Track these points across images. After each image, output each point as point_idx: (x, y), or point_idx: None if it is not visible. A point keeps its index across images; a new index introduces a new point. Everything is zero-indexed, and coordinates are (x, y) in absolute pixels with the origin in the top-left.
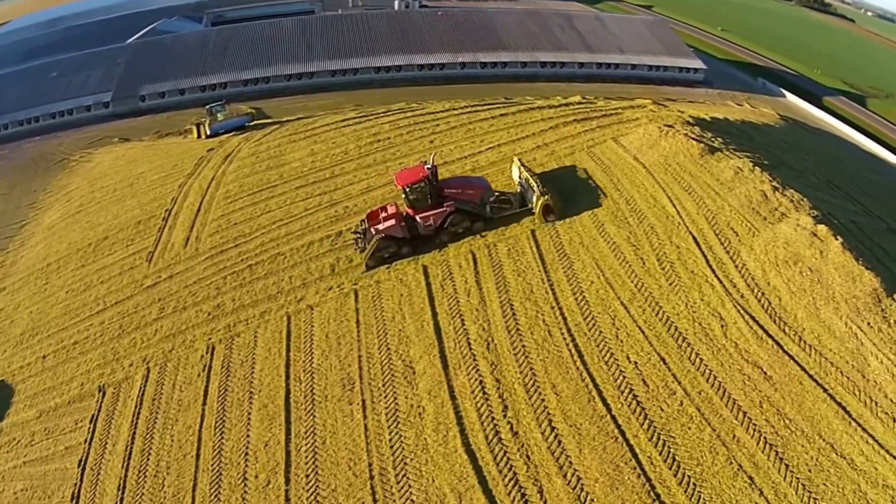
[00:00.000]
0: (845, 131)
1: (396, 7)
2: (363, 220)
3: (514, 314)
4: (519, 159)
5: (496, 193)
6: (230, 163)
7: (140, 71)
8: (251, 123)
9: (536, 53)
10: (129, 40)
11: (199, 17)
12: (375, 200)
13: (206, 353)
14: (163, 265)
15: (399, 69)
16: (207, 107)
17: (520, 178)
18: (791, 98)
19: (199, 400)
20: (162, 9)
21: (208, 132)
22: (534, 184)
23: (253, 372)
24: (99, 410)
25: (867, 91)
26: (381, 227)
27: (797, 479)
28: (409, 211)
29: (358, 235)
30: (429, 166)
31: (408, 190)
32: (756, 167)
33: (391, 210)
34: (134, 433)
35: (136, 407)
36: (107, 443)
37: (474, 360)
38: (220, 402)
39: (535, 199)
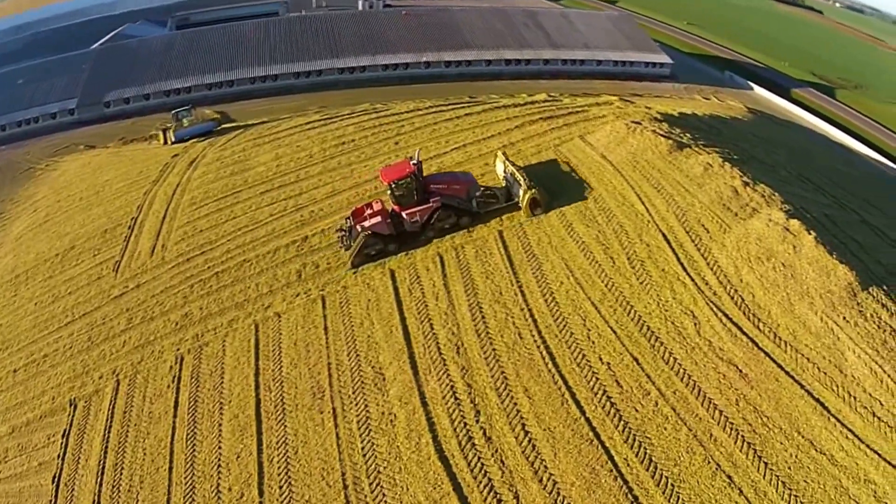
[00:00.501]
0: (815, 123)
1: (360, 7)
2: (348, 218)
3: (483, 317)
4: (503, 153)
5: (482, 188)
6: (195, 168)
7: (105, 77)
8: (218, 129)
9: (501, 51)
10: (94, 46)
11: (163, 21)
12: (341, 204)
13: (175, 363)
14: (129, 274)
15: (363, 70)
16: (173, 112)
17: (505, 172)
18: (759, 91)
19: (170, 412)
20: (126, 13)
21: (173, 139)
22: (520, 178)
23: (222, 382)
24: (71, 425)
25: (836, 82)
26: (366, 224)
27: (777, 476)
28: (395, 207)
29: (343, 233)
30: (414, 162)
31: (393, 186)
32: (726, 162)
33: (376, 207)
34: (106, 447)
35: (107, 420)
36: (80, 458)
37: (444, 364)
38: (191, 414)
39: (521, 192)
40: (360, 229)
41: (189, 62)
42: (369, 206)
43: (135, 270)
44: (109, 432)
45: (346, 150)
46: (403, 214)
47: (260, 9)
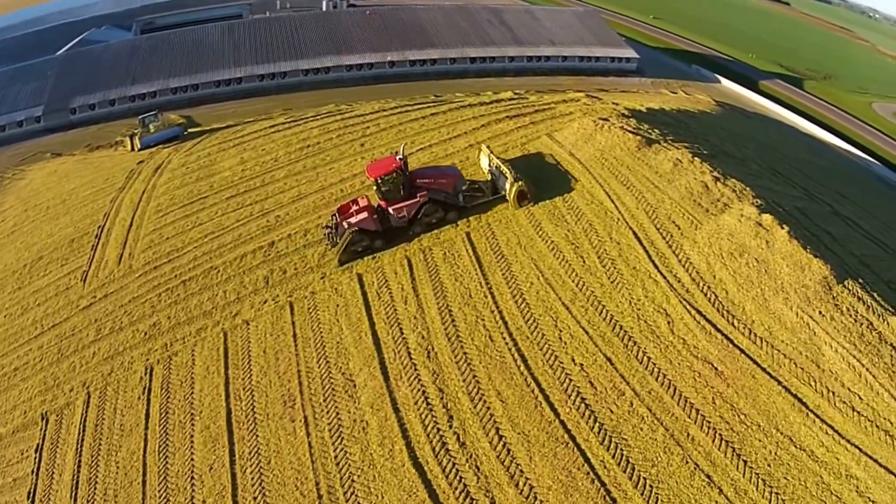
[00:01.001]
0: (783, 114)
1: (324, 8)
2: (334, 215)
3: (453, 320)
4: (487, 147)
5: (468, 182)
6: (160, 175)
7: (71, 83)
8: (185, 133)
9: (466, 49)
10: (60, 52)
11: (128, 26)
12: (307, 208)
13: (145, 374)
14: (97, 284)
15: (328, 71)
16: (140, 118)
17: (489, 165)
18: (726, 83)
19: (141, 424)
20: (91, 18)
21: (139, 146)
22: (506, 170)
23: (193, 392)
24: (43, 439)
25: (804, 73)
26: (353, 220)
27: (757, 474)
28: (382, 203)
29: (329, 230)
30: (400, 157)
31: (380, 181)
32: (695, 157)
33: (362, 203)
34: (79, 461)
35: (79, 434)
36: (53, 473)
37: (415, 369)
38: (163, 426)
39: (508, 185)
40: (346, 226)
41: (154, 66)
42: (355, 202)
43: (102, 280)
44: (82, 446)
45: (311, 154)
46: (390, 210)
47: (224, 11)
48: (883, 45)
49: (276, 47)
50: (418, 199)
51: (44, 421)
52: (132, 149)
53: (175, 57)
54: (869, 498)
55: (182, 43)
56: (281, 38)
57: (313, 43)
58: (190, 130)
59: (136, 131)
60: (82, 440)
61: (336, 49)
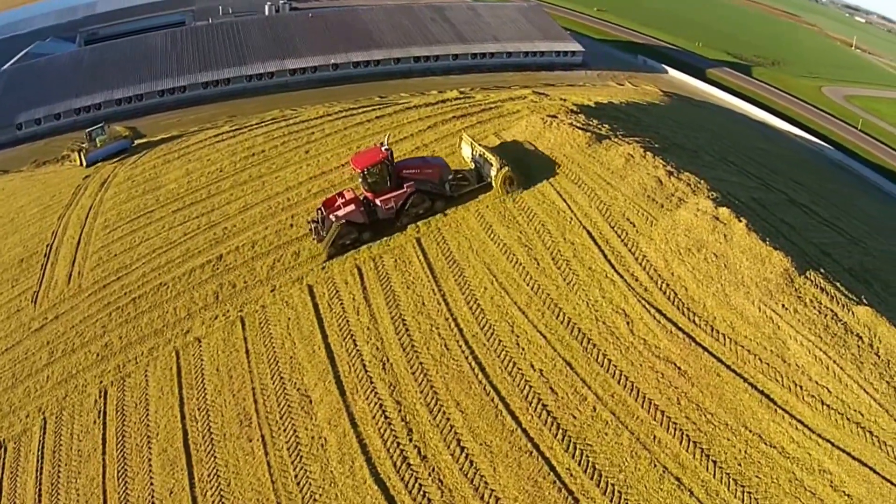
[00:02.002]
0: (733, 102)
1: (266, 12)
2: (319, 209)
3: (407, 330)
4: (469, 136)
5: (453, 172)
6: (106, 189)
7: (15, 98)
8: (133, 146)
9: (409, 49)
10: (3, 67)
11: (72, 37)
12: (254, 219)
13: (100, 397)
14: (48, 305)
15: (271, 76)
16: (87, 131)
17: (472, 153)
18: (674, 73)
19: (99, 449)
20: (35, 31)
21: (85, 162)
22: (491, 157)
23: (148, 414)
24: (3, 468)
25: (752, 60)
26: (340, 213)
27: (727, 474)
28: (368, 195)
29: (315, 224)
30: (385, 147)
31: (366, 173)
32: (647, 152)
33: (348, 195)
34: (40, 490)
35: (37, 462)
36: (15, 502)
37: (371, 382)
38: (120, 450)
39: (494, 171)
40: (334, 219)
41: (98, 78)
42: (341, 195)
43: (53, 301)
44: (41, 474)
45: (256, 162)
46: (377, 202)
47: (167, 19)
48: (830, 28)
49: (219, 54)
50: (405, 189)
51: (2, 449)
52: (81, 163)
53: (119, 67)
54: (844, 492)
55: (126, 53)
56: (224, 45)
57: (256, 48)
58: (137, 142)
59: (83, 145)
60: (41, 468)
61: (279, 53)
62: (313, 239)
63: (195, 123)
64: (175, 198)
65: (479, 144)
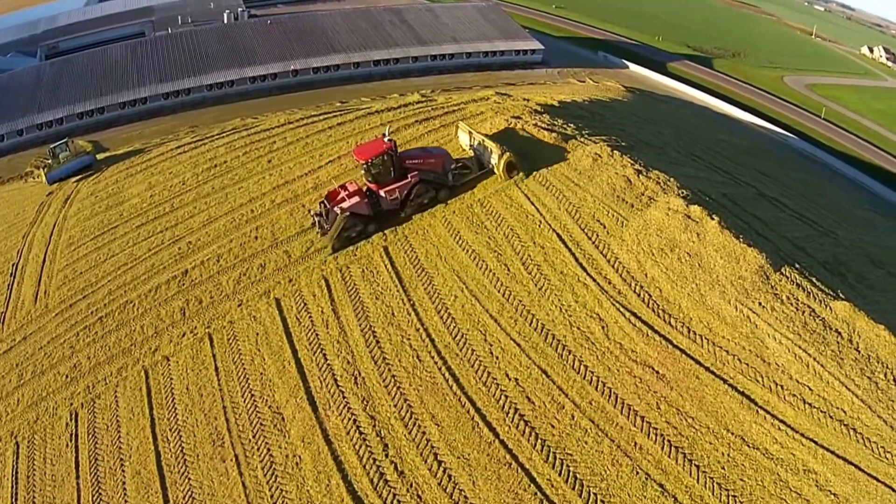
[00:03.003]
0: (695, 95)
1: (225, 20)
2: (322, 202)
3: (377, 342)
4: (466, 125)
5: (455, 161)
6: (70, 206)
7: None
8: (96, 161)
9: (369, 52)
10: None
11: (34, 52)
12: (218, 232)
13: (71, 420)
14: (16, 326)
15: (232, 84)
16: (49, 148)
17: (471, 142)
18: (634, 68)
19: (72, 473)
20: None
21: (46, 181)
22: (491, 145)
23: (120, 436)
24: None
25: (713, 52)
26: (345, 205)
27: (711, 478)
28: (372, 186)
29: (319, 217)
30: (388, 139)
31: (370, 164)
32: (615, 151)
33: (352, 187)
34: None
35: (12, 488)
36: None
37: (344, 397)
38: (94, 474)
39: (496, 158)
40: (338, 211)
41: (60, 92)
42: (344, 187)
43: (21, 321)
44: (16, 500)
45: (218, 174)
46: (381, 192)
47: (127, 31)
48: (790, 18)
49: (179, 64)
50: (409, 179)
51: None
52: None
53: (80, 80)
54: (830, 491)
55: (86, 66)
56: (184, 54)
57: (216, 57)
58: (99, 156)
59: (47, 161)
60: (16, 494)
61: (239, 61)
62: (317, 232)
63: (157, 135)
64: (138, 212)
65: (478, 133)
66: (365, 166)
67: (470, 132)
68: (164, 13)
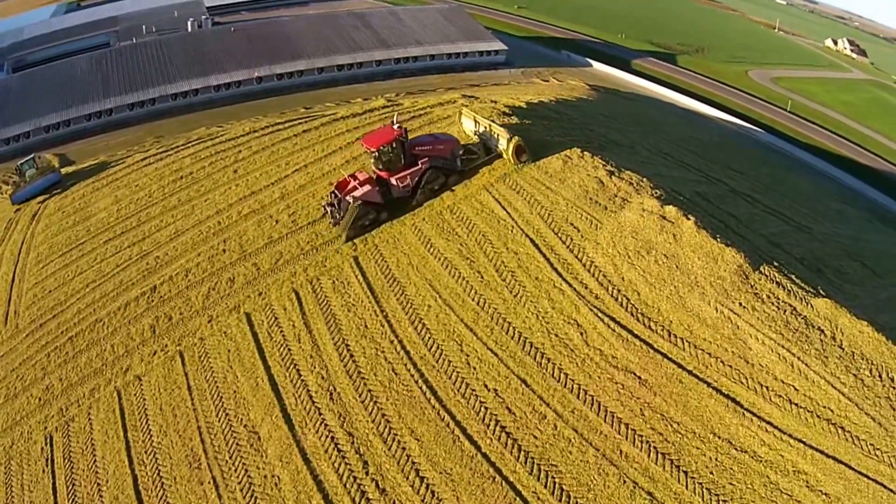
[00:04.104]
0: (660, 92)
1: (189, 28)
2: (333, 192)
3: (352, 356)
4: (469, 110)
5: (462, 147)
6: (38, 222)
7: None
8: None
9: (333, 57)
10: None
11: (0, 65)
12: (185, 246)
13: (46, 444)
14: None
15: (196, 93)
16: (16, 165)
17: (476, 127)
18: (598, 66)
19: (50, 500)
20: None
21: (11, 201)
22: (498, 129)
23: (96, 460)
24: None
25: (676, 48)
26: (357, 193)
27: (700, 484)
28: (383, 174)
29: (332, 207)
30: (396, 126)
31: (381, 151)
32: (585, 152)
33: (362, 176)
34: None
35: None
36: None
37: (320, 414)
38: (72, 500)
39: (505, 142)
40: (351, 200)
41: (26, 105)
42: (353, 177)
43: None
44: None
45: (184, 185)
46: (392, 180)
47: (92, 41)
48: (752, 12)
49: (144, 73)
50: (420, 166)
51: None
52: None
53: (47, 93)
54: (821, 491)
55: (52, 78)
56: (148, 64)
57: (180, 66)
58: (66, 170)
59: (13, 179)
60: None
61: (203, 70)
62: (330, 223)
63: (123, 146)
64: (105, 227)
65: (484, 118)
66: (375, 154)
67: (475, 118)
68: (129, 23)
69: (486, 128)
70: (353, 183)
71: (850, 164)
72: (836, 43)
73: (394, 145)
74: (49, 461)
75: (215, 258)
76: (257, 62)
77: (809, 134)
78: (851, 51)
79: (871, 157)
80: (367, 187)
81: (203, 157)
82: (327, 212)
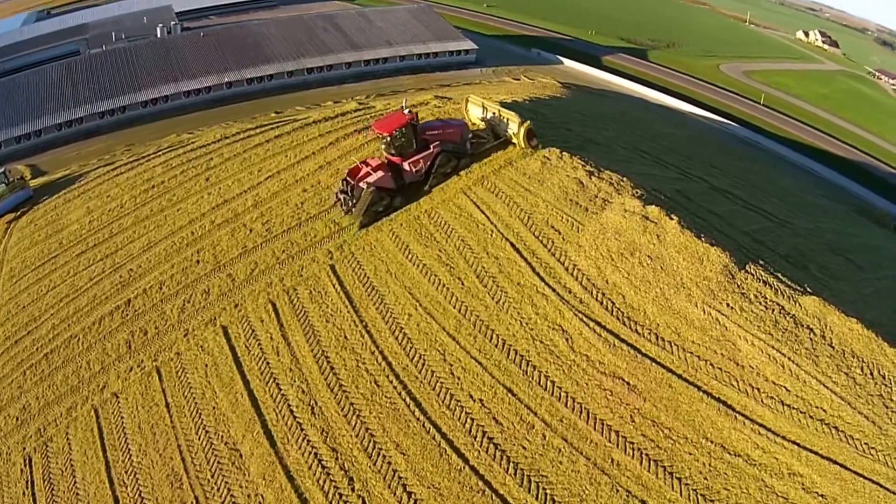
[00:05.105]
0: (631, 87)
1: (159, 34)
2: (345, 179)
3: (332, 368)
4: (476, 97)
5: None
6: (10, 236)
7: None
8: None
9: (302, 60)
10: None
11: None
12: (159, 258)
13: (25, 465)
14: None
15: (166, 99)
16: None
17: (484, 113)
18: (569, 63)
19: None
20: None
21: None
22: (508, 114)
23: (76, 481)
24: None
25: (647, 44)
26: (370, 179)
27: (694, 490)
28: (395, 159)
29: (344, 194)
30: (407, 111)
31: (393, 136)
32: (563, 152)
33: (374, 162)
34: None
35: None
36: None
37: (302, 430)
38: None
39: (516, 126)
40: (364, 186)
41: None
42: (365, 163)
43: None
44: None
45: (156, 195)
46: (405, 165)
47: (62, 49)
48: (723, 6)
49: (114, 81)
50: (432, 150)
51: None
52: None
53: (16, 103)
54: (817, 493)
55: (22, 87)
56: (118, 71)
57: (150, 72)
58: (37, 182)
59: None
60: None
61: (173, 76)
62: (342, 211)
63: (95, 155)
64: (78, 239)
65: (493, 103)
66: (387, 139)
67: (483, 104)
68: (99, 30)
69: (494, 113)
70: (365, 169)
71: (825, 155)
72: (807, 34)
73: (406, 130)
74: (29, 483)
75: (189, 270)
76: (227, 67)
77: (784, 127)
78: (823, 42)
79: (846, 149)
80: (380, 173)
81: (174, 166)
82: (339, 199)
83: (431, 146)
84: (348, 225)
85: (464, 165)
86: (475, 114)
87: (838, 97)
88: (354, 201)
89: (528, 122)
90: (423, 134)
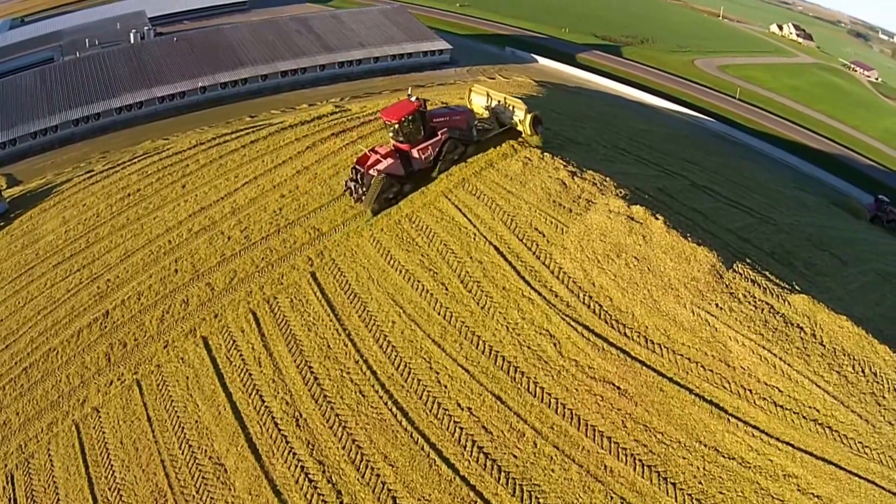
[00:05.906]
0: (606, 85)
1: (132, 40)
2: (354, 168)
3: (316, 379)
4: (479, 87)
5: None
6: None
7: None
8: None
9: (276, 64)
10: None
11: None
12: (136, 267)
13: (7, 483)
14: None
15: (140, 105)
16: None
17: (488, 102)
18: (543, 61)
19: None
20: None
21: None
22: (514, 101)
23: (58, 499)
24: None
25: (621, 40)
26: (380, 166)
27: (689, 495)
28: (404, 146)
29: (354, 183)
30: (414, 98)
31: (401, 124)
32: (545, 153)
33: (383, 150)
34: None
35: None
36: None
37: (287, 442)
38: None
39: (522, 114)
40: (374, 174)
41: None
42: (374, 151)
43: None
44: None
45: (132, 203)
46: (414, 152)
47: (36, 57)
48: (695, 1)
49: (88, 88)
50: (440, 137)
51: None
52: None
53: None
54: (813, 494)
55: None
56: (92, 78)
57: (124, 78)
58: (11, 192)
59: None
60: None
61: (147, 82)
62: (352, 198)
63: (70, 163)
64: (54, 250)
65: (498, 92)
66: (395, 127)
67: (488, 93)
68: (72, 37)
69: (500, 101)
70: (374, 157)
71: (801, 148)
72: (781, 28)
73: (415, 117)
74: (12, 501)
75: (167, 279)
76: (201, 71)
77: (760, 121)
78: (797, 35)
79: (823, 141)
80: (389, 160)
81: (150, 173)
82: (349, 188)
83: (439, 133)
84: (360, 213)
85: (471, 152)
86: (479, 103)
87: (811, 90)
88: (364, 189)
89: (535, 111)
90: (430, 121)
